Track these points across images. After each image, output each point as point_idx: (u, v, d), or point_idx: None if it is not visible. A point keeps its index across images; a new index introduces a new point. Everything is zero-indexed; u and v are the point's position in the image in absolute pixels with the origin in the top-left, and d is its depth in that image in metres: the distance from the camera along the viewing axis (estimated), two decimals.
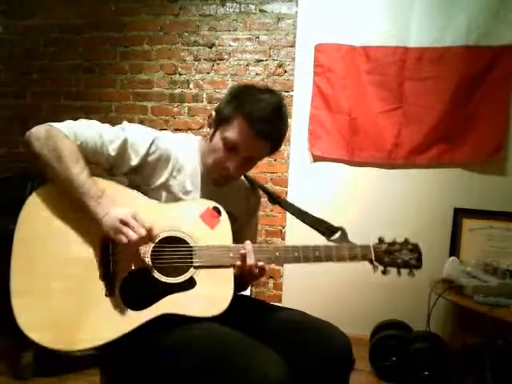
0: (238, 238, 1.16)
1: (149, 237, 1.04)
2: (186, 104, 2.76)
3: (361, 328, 2.37)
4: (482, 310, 1.76)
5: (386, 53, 2.41)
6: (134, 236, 1.01)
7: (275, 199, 1.37)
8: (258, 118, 1.09)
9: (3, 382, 1.97)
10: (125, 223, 1.01)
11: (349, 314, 2.48)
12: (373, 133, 2.47)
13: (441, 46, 2.35)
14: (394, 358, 2.11)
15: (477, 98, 2.36)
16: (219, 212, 1.14)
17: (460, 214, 2.37)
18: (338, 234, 1.23)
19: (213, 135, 1.17)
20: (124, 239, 1.01)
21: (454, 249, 2.37)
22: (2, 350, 2.01)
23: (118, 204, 1.05)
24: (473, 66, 2.33)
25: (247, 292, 2.53)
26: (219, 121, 1.16)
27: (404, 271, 1.19)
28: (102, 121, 1.18)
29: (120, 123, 1.20)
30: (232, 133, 1.12)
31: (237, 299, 1.10)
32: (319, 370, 1.07)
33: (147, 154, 1.14)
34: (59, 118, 1.13)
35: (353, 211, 2.49)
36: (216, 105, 1.23)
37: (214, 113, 1.19)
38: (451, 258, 2.17)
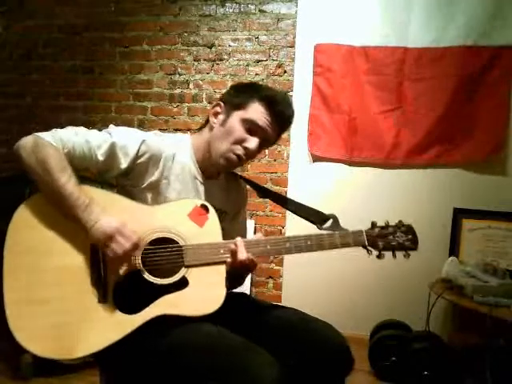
0: (227, 233, 1.16)
1: (137, 247, 1.04)
2: (186, 104, 2.76)
3: (360, 328, 2.37)
4: (482, 310, 1.76)
5: (386, 53, 2.41)
6: (120, 250, 1.01)
7: (263, 192, 1.38)
8: (274, 100, 1.18)
9: (3, 382, 1.97)
10: (111, 237, 1.01)
11: (348, 313, 2.48)
12: (372, 133, 2.47)
13: (440, 46, 2.35)
14: (394, 358, 2.11)
15: (476, 99, 2.36)
16: (207, 209, 1.14)
17: (459, 214, 2.37)
18: (329, 222, 1.22)
19: (224, 121, 1.20)
20: (110, 253, 1.02)
21: (454, 249, 2.37)
22: (2, 349, 2.01)
23: (107, 211, 1.04)
24: (472, 66, 2.33)
25: (247, 291, 2.54)
26: (233, 107, 1.19)
27: (399, 253, 1.18)
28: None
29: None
30: (252, 114, 1.17)
31: (235, 298, 1.10)
32: (315, 371, 1.07)
33: (137, 155, 1.13)
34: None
35: (352, 211, 2.48)
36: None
37: (221, 103, 1.23)
38: (451, 258, 2.17)
